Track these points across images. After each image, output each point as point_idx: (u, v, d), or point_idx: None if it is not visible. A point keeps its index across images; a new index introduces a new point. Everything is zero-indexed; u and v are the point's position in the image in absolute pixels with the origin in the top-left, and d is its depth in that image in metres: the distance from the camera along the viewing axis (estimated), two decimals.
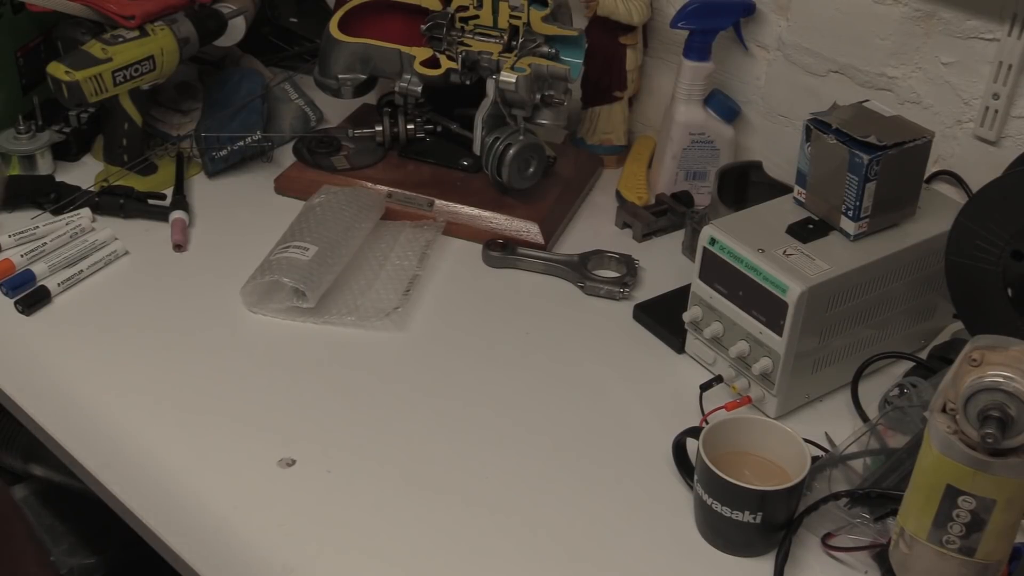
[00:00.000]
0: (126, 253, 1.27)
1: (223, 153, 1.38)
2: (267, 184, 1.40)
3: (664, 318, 1.17)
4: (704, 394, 1.07)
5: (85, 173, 1.40)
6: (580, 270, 1.25)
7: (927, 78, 1.21)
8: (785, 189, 1.16)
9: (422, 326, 1.18)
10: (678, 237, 1.33)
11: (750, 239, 1.05)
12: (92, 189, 1.34)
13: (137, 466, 0.99)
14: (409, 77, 1.35)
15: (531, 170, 1.31)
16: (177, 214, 1.30)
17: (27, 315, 1.16)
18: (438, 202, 1.34)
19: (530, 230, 1.30)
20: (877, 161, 1.02)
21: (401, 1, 1.39)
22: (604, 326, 1.20)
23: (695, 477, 0.93)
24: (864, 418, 1.05)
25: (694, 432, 0.96)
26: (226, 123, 1.39)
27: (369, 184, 1.36)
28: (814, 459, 0.94)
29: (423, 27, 1.35)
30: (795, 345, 1.02)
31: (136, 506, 0.95)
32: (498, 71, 1.29)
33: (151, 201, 1.33)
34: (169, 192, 1.35)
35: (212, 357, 1.12)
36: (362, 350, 1.14)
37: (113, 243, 1.26)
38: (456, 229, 1.32)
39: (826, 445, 1.01)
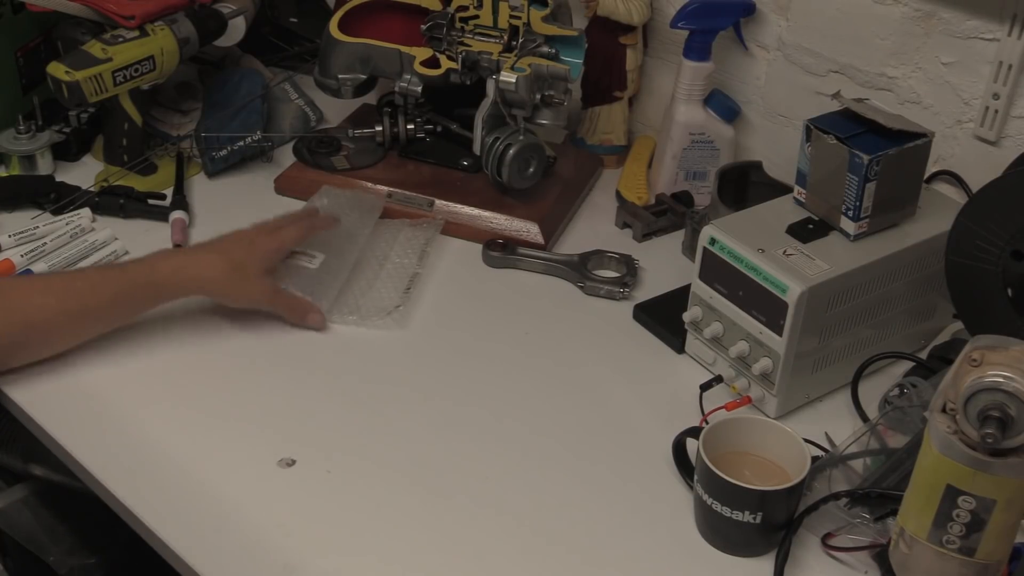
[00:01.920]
0: (126, 253, 1.27)
1: (223, 153, 1.38)
2: (267, 184, 1.40)
3: (664, 318, 1.17)
4: (704, 394, 1.07)
5: (85, 173, 1.40)
6: (580, 270, 1.25)
7: (927, 78, 1.21)
8: (785, 189, 1.16)
9: (422, 326, 1.18)
10: (678, 237, 1.33)
11: (750, 239, 1.05)
12: (92, 189, 1.34)
13: (137, 466, 0.99)
14: (409, 77, 1.35)
15: (531, 170, 1.31)
16: (177, 214, 1.30)
17: None
18: (438, 202, 1.34)
19: (530, 230, 1.30)
20: (877, 161, 1.02)
21: (401, 1, 1.39)
22: (604, 326, 1.19)
23: (695, 477, 0.93)
24: (864, 418, 1.05)
25: (694, 432, 0.96)
26: (226, 123, 1.39)
27: (369, 184, 1.36)
28: (814, 459, 0.94)
29: (423, 27, 1.35)
30: (795, 345, 1.02)
31: (136, 506, 0.95)
32: (498, 71, 1.29)
33: (151, 201, 1.33)
34: (169, 192, 1.35)
35: (211, 357, 1.12)
36: (363, 349, 1.14)
37: (113, 243, 1.26)
38: (456, 229, 1.32)
39: (826, 445, 1.01)
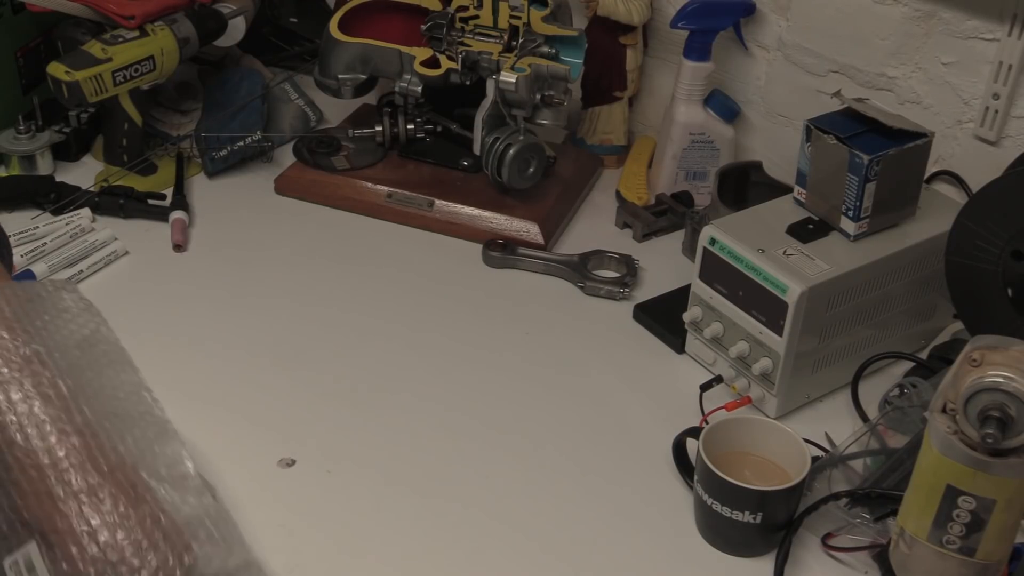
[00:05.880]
0: (126, 253, 1.27)
1: (223, 153, 1.38)
2: (267, 184, 1.40)
3: (664, 318, 1.17)
4: (704, 394, 1.07)
5: (85, 173, 1.40)
6: (580, 270, 1.25)
7: (927, 78, 1.21)
8: (785, 189, 1.16)
9: (422, 326, 1.18)
10: (678, 237, 1.33)
11: (750, 239, 1.05)
12: (92, 189, 1.34)
13: None
14: (409, 77, 1.35)
15: (531, 170, 1.31)
16: (177, 214, 1.30)
17: None
18: (438, 202, 1.34)
19: (530, 230, 1.30)
20: (877, 161, 1.02)
21: (401, 1, 1.39)
22: (604, 326, 1.19)
23: (695, 477, 0.93)
24: (864, 418, 1.05)
25: (694, 432, 0.96)
26: (226, 123, 1.39)
27: (369, 184, 1.36)
28: (814, 459, 0.94)
29: (423, 27, 1.35)
30: (795, 345, 1.02)
31: None
32: (498, 71, 1.29)
33: (151, 201, 1.33)
34: (169, 192, 1.35)
35: (212, 357, 1.12)
36: (364, 349, 1.14)
37: (113, 243, 1.26)
38: (456, 229, 1.32)
39: (826, 445, 1.01)
